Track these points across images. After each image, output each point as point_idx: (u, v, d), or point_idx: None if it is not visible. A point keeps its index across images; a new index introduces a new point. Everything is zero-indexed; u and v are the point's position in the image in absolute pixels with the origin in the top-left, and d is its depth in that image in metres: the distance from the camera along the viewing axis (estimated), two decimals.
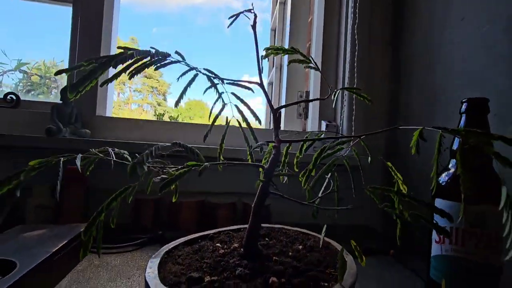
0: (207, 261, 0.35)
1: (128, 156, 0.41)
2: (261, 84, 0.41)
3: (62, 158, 0.30)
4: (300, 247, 0.42)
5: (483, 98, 0.43)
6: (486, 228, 0.40)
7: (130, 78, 0.37)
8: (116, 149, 0.40)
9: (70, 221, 0.64)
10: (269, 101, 0.42)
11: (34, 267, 0.38)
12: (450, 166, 0.45)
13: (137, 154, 0.38)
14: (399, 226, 0.35)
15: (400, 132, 0.85)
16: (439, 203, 0.44)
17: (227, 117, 0.47)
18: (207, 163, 0.35)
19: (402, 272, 0.56)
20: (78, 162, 0.29)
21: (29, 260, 0.39)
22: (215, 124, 0.46)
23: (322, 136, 0.43)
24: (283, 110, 1.06)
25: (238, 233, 0.47)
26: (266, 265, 0.34)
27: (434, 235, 0.44)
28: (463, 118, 0.44)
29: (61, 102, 0.77)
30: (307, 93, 1.02)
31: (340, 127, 0.88)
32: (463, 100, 0.44)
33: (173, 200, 0.40)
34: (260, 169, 0.39)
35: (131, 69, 0.34)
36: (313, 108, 0.98)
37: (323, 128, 0.91)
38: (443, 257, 0.42)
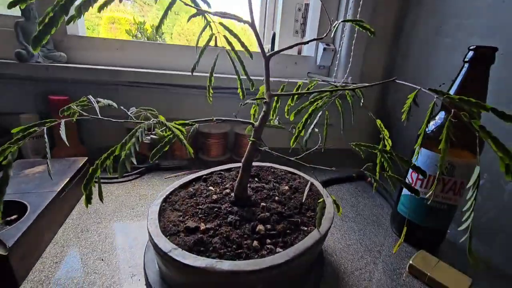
0: (202, 207, 0.39)
1: (113, 104, 0.40)
2: (252, 25, 0.36)
3: (45, 127, 0.29)
4: (286, 188, 0.47)
5: (492, 48, 0.39)
6: (454, 176, 0.43)
7: (99, 11, 0.32)
8: (100, 100, 0.39)
9: (67, 151, 0.66)
10: (261, 46, 0.38)
11: (45, 207, 0.42)
12: (437, 117, 0.46)
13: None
14: (376, 185, 0.37)
15: (397, 66, 0.81)
16: (423, 153, 0.46)
17: (215, 37, 0.43)
18: (196, 125, 0.34)
19: (375, 199, 0.64)
20: (63, 134, 0.28)
21: (38, 201, 0.43)
22: (202, 44, 0.42)
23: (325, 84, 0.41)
24: (277, 27, 0.95)
25: (229, 172, 0.50)
26: (254, 211, 0.38)
27: (408, 177, 0.49)
28: (466, 67, 0.42)
29: (23, 18, 0.67)
30: (306, 6, 0.90)
31: (338, 53, 0.82)
32: (471, 48, 0.41)
33: (165, 150, 0.41)
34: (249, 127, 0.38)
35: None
36: (311, 25, 0.89)
37: (320, 51, 0.85)
38: (411, 197, 0.48)
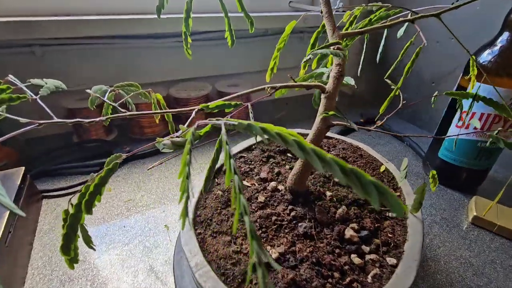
0: (252, 219, 0.27)
1: (62, 85, 0.23)
2: None
3: None
4: None
5: None
6: None
7: None
8: (39, 82, 0.22)
9: None
10: None
11: None
12: (498, 41, 0.37)
13: None
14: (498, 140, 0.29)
15: None
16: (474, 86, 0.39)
17: None
18: (251, 113, 0.20)
19: (393, 144, 0.59)
20: None
21: None
22: None
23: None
24: None
25: (251, 153, 0.37)
26: (324, 206, 0.28)
27: (456, 120, 0.42)
28: None
29: None
30: None
31: None
32: None
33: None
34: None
35: None
36: None
37: None
38: (460, 140, 0.42)
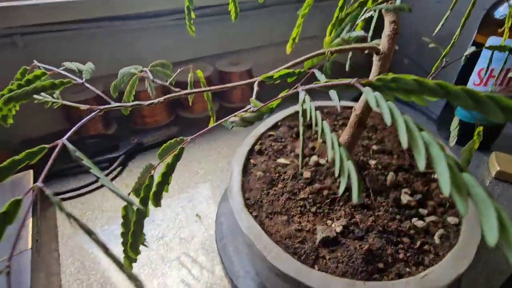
0: (304, 196, 0.26)
1: (90, 67, 0.21)
2: None
3: None
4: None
5: None
6: None
7: None
8: (76, 66, 0.19)
9: None
10: None
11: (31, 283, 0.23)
12: None
13: None
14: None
15: None
16: (493, 41, 0.39)
17: None
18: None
19: (403, 108, 0.59)
20: None
21: (17, 276, 0.23)
22: None
23: None
24: None
25: (278, 130, 0.36)
26: (373, 176, 0.27)
27: (474, 77, 0.42)
28: None
29: None
30: None
31: None
32: None
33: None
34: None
35: None
36: None
37: None
38: None
